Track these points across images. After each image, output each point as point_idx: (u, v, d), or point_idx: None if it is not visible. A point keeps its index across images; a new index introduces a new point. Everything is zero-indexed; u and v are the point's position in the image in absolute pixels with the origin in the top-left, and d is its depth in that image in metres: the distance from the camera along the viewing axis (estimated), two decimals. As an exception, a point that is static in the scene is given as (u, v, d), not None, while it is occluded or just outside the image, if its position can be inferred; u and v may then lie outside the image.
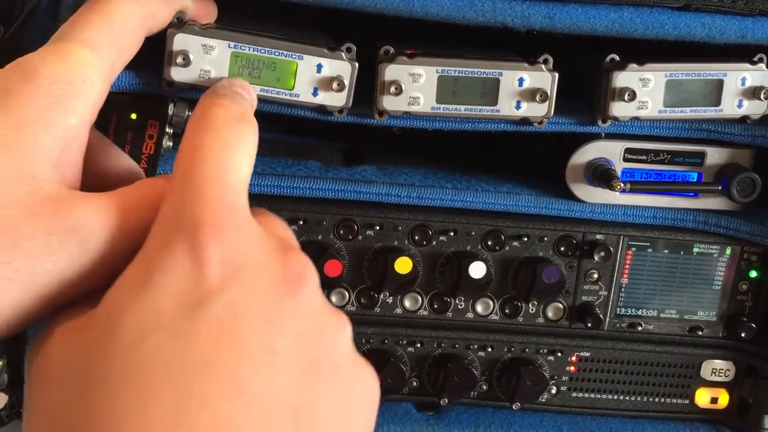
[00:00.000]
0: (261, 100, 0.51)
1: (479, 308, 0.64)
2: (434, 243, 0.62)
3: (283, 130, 0.71)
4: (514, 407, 0.65)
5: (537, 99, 0.55)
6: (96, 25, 0.38)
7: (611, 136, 0.61)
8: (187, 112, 0.55)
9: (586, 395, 0.67)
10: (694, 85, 0.57)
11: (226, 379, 0.28)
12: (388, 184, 0.60)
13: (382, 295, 0.63)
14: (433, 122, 0.56)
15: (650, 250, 0.64)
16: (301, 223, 0.60)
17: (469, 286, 0.61)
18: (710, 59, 0.57)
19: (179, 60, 0.49)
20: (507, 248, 0.63)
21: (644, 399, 0.67)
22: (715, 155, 0.62)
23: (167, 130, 0.54)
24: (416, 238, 0.62)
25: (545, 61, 0.55)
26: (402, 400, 0.66)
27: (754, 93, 0.57)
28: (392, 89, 0.53)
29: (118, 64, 0.40)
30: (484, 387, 0.66)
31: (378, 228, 0.61)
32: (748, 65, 0.57)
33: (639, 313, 0.65)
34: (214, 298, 0.29)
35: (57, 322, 0.32)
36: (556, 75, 0.55)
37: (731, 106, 0.58)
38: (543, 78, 0.55)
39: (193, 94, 0.51)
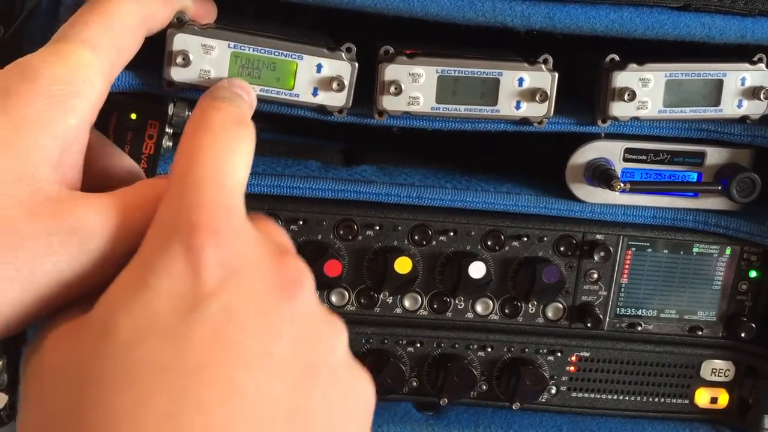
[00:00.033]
0: (261, 100, 0.51)
1: (479, 308, 0.64)
2: (434, 243, 0.62)
3: (283, 130, 0.71)
4: (513, 407, 0.65)
5: (537, 99, 0.55)
6: (96, 25, 0.38)
7: (611, 136, 0.61)
8: (187, 112, 0.55)
9: (586, 395, 0.67)
10: (694, 85, 0.57)
11: (222, 382, 0.28)
12: (388, 184, 0.60)
13: (381, 295, 0.63)
14: (432, 122, 0.56)
15: (650, 250, 0.64)
16: (301, 223, 0.60)
17: (468, 286, 0.61)
18: (710, 59, 0.57)
19: (179, 60, 0.49)
20: (507, 248, 0.63)
21: (644, 399, 0.67)
22: (714, 155, 0.62)
23: (167, 130, 0.54)
24: (416, 238, 0.62)
25: (545, 61, 0.55)
26: (402, 400, 0.66)
27: (753, 93, 0.57)
28: (392, 89, 0.53)
29: (118, 65, 0.40)
30: (484, 387, 0.66)
31: (378, 228, 0.61)
32: (747, 65, 0.57)
33: (639, 313, 0.65)
34: (210, 301, 0.29)
35: (53, 324, 0.32)
36: (556, 75, 0.55)
37: (731, 106, 0.58)
38: (543, 78, 0.55)
39: (192, 94, 0.51)
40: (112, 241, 0.33)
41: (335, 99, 0.53)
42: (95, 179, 0.38)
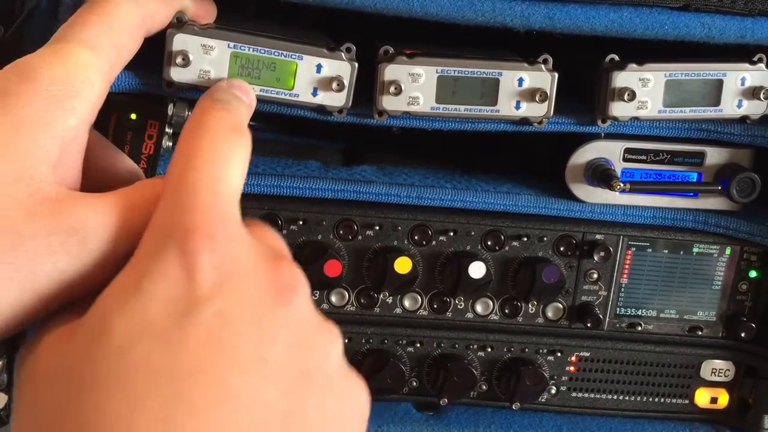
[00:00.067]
0: (261, 100, 0.51)
1: (479, 308, 0.64)
2: (434, 243, 0.62)
3: (283, 130, 0.71)
4: (513, 407, 0.65)
5: (537, 99, 0.55)
6: (95, 25, 0.38)
7: (611, 136, 0.61)
8: (186, 112, 0.55)
9: (586, 395, 0.67)
10: (694, 85, 0.57)
11: (216, 386, 0.28)
12: (388, 184, 0.60)
13: (381, 295, 0.63)
14: (432, 122, 0.56)
15: (650, 250, 0.64)
16: (301, 223, 0.60)
17: (468, 286, 0.61)
18: (710, 59, 0.57)
19: (179, 60, 0.49)
20: (507, 248, 0.63)
21: (644, 399, 0.67)
22: (714, 155, 0.62)
23: (167, 130, 0.54)
24: (416, 238, 0.62)
25: (545, 61, 0.55)
26: (402, 400, 0.66)
27: (753, 93, 0.57)
28: (392, 89, 0.53)
29: (117, 65, 0.40)
30: (484, 387, 0.66)
31: (378, 228, 0.61)
32: (747, 65, 0.57)
33: (639, 313, 0.65)
34: (205, 305, 0.29)
35: (48, 327, 0.32)
36: (556, 75, 0.55)
37: (731, 106, 0.58)
38: (543, 78, 0.55)
39: (192, 94, 0.51)
40: (111, 241, 0.33)
41: (335, 99, 0.53)
42: (95, 180, 0.38)
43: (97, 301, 0.30)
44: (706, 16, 0.53)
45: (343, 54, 0.52)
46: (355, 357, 0.63)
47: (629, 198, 0.62)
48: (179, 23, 0.49)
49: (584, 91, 0.58)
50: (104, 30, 0.39)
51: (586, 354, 0.66)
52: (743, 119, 0.59)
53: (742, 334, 0.64)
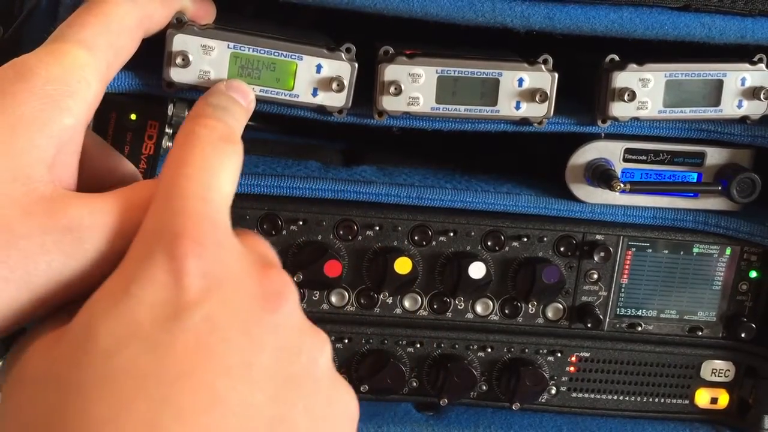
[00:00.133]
0: (260, 100, 0.51)
1: (479, 308, 0.64)
2: (434, 243, 0.62)
3: (283, 130, 0.71)
4: (513, 407, 0.65)
5: (537, 99, 0.55)
6: (92, 26, 0.38)
7: (611, 137, 0.61)
8: (186, 113, 0.55)
9: (586, 395, 0.67)
10: (694, 85, 0.57)
11: (203, 391, 0.28)
12: (388, 184, 0.60)
13: (381, 296, 0.63)
14: (432, 122, 0.56)
15: (650, 250, 0.64)
16: (301, 223, 0.60)
17: (468, 287, 0.61)
18: (710, 59, 0.57)
19: (178, 60, 0.49)
20: (507, 248, 0.63)
21: (644, 399, 0.67)
22: (714, 155, 0.62)
23: (167, 130, 0.54)
24: (416, 238, 0.62)
25: (545, 62, 0.55)
26: (402, 401, 0.66)
27: (753, 93, 0.57)
28: (392, 89, 0.53)
29: (114, 65, 0.40)
30: (484, 387, 0.66)
31: (378, 228, 0.61)
32: (747, 65, 0.57)
33: (639, 313, 0.65)
34: (192, 310, 0.29)
35: (34, 331, 0.32)
36: (556, 75, 0.55)
37: (731, 107, 0.58)
38: (543, 78, 0.55)
39: (192, 94, 0.51)
40: (107, 241, 0.33)
41: (335, 99, 0.53)
42: (91, 180, 0.38)
43: (85, 306, 0.30)
44: (706, 17, 0.53)
45: (343, 54, 0.52)
46: (355, 357, 0.63)
47: (629, 198, 0.62)
48: (179, 24, 0.49)
49: (584, 92, 0.58)
50: (102, 30, 0.39)
51: (586, 354, 0.66)
52: (743, 119, 0.59)
53: (743, 335, 0.64)
